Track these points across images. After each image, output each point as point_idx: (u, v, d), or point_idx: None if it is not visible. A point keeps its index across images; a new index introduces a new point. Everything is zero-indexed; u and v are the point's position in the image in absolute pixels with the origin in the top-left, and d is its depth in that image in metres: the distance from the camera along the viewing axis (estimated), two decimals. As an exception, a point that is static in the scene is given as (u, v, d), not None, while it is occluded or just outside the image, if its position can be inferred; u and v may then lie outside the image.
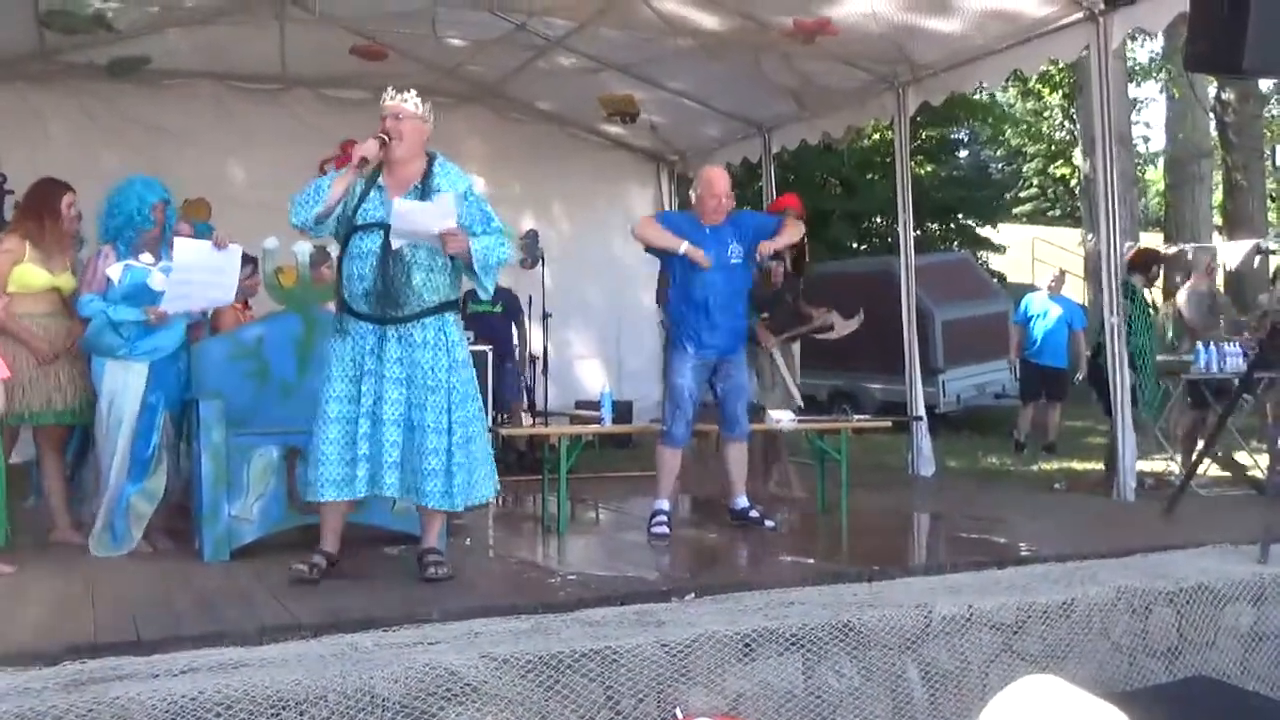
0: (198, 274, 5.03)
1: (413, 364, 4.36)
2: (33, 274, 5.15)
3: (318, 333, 5.38)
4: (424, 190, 4.41)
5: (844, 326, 6.86)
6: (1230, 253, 13.43)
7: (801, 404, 6.71)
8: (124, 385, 4.99)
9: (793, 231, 5.79)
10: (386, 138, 4.39)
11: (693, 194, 5.79)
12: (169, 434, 5.16)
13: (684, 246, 5.49)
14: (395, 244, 4.34)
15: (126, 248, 5.11)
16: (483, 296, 4.71)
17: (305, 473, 4.49)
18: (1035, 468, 9.49)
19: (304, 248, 5.47)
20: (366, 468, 4.33)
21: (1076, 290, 13.92)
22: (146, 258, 5.10)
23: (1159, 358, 9.23)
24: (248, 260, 5.78)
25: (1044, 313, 10.17)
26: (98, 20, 7.58)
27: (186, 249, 5.04)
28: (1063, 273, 10.99)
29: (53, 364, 5.14)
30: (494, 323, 8.48)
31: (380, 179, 4.44)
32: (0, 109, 8.54)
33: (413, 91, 4.50)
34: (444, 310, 4.46)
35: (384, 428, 4.32)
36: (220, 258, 5.13)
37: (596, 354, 10.58)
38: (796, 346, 6.92)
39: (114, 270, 4.99)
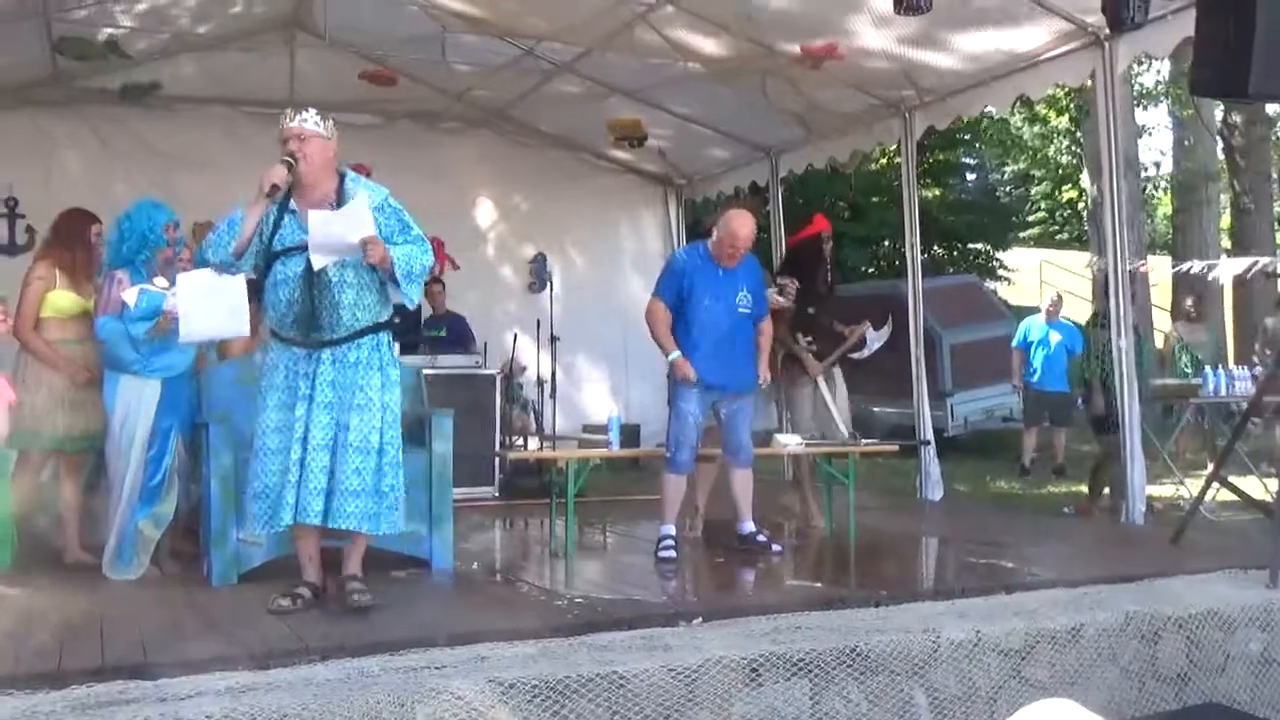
0: (205, 302, 5.01)
1: (344, 385, 4.30)
2: (65, 299, 5.25)
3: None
4: (339, 208, 4.32)
5: (875, 339, 6.79)
6: (1230, 270, 13.43)
7: (846, 433, 6.54)
8: (137, 402, 5.03)
9: (766, 344, 5.86)
10: (292, 160, 4.26)
11: (715, 231, 5.69)
12: (182, 458, 5.19)
13: (673, 355, 5.53)
14: (317, 265, 4.24)
15: (142, 271, 5.17)
16: (408, 305, 4.57)
17: (245, 505, 4.36)
18: (1044, 491, 9.47)
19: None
20: (294, 494, 4.22)
21: (1084, 313, 13.88)
22: (161, 282, 5.14)
23: (1167, 381, 9.24)
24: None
25: (1044, 338, 10.17)
26: (110, 47, 7.66)
27: (188, 282, 4.92)
28: (1060, 297, 10.99)
29: (81, 390, 5.21)
30: (439, 347, 8.47)
31: (292, 203, 4.34)
32: (14, 135, 8.61)
33: (312, 110, 4.38)
34: (379, 330, 4.42)
35: (312, 453, 4.23)
36: (224, 283, 5.07)
37: (604, 377, 10.59)
38: (838, 371, 6.78)
39: (130, 294, 5.03)
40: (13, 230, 8.59)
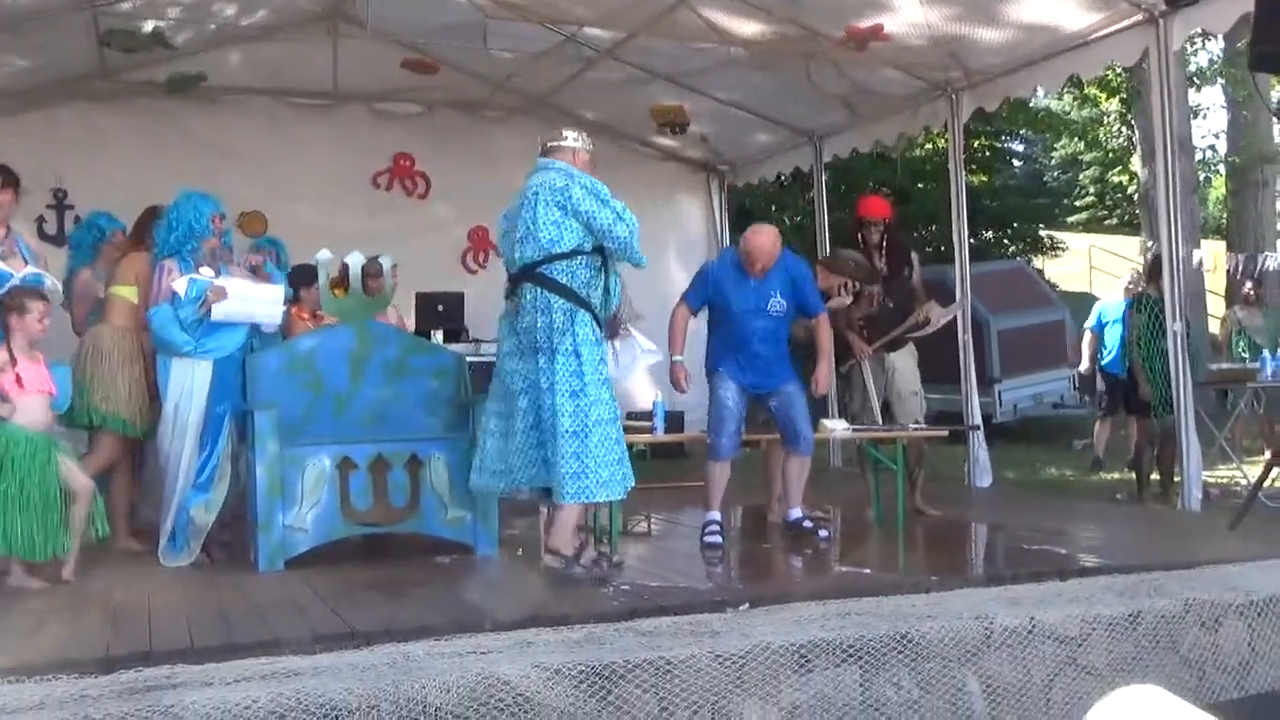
0: (243, 302, 5.21)
1: None
2: None
3: (371, 344, 5.42)
4: None
5: (941, 316, 6.65)
6: None
7: (879, 420, 6.44)
8: (190, 385, 5.07)
9: (826, 340, 5.76)
10: None
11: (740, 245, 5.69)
12: (234, 444, 5.23)
13: (676, 358, 5.63)
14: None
15: (189, 261, 5.21)
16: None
17: (609, 472, 4.53)
18: (1095, 478, 9.29)
19: (357, 259, 5.51)
20: None
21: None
22: (207, 271, 5.18)
23: (1223, 366, 9.03)
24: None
25: (1121, 318, 9.75)
26: (156, 38, 7.71)
27: (229, 286, 5.18)
28: (1139, 274, 10.53)
29: (144, 378, 5.33)
30: None
31: None
32: (63, 127, 8.72)
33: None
34: None
35: None
36: (262, 291, 5.37)
37: (648, 364, 10.52)
38: (909, 355, 6.65)
39: (180, 284, 5.09)
40: (61, 220, 8.69)
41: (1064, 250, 22.01)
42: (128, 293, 5.43)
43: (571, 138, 4.87)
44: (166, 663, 3.36)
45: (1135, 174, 20.65)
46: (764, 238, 5.58)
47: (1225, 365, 9.13)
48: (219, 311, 5.06)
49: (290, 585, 4.51)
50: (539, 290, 4.60)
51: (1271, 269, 13.31)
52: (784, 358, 5.69)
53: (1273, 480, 6.65)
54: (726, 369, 5.60)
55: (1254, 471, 7.10)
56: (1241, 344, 9.68)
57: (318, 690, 3.08)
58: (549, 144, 4.86)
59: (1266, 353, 8.52)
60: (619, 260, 4.79)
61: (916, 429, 6.31)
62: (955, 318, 7.43)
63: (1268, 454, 6.88)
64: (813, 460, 5.82)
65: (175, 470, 5.07)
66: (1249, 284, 10.49)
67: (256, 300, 5.30)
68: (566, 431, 4.47)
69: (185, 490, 5.05)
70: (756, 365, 5.58)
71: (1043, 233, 21.41)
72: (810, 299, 5.72)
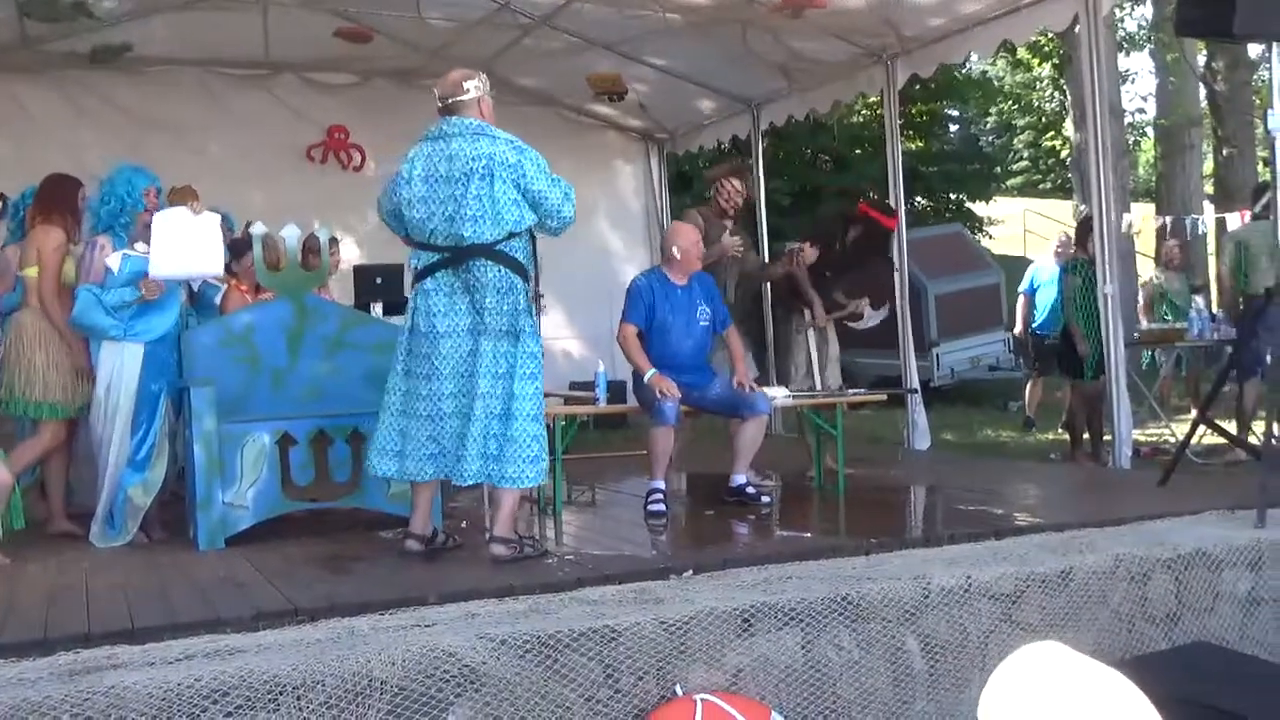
0: (180, 241, 5.01)
1: None
2: (70, 267, 5.21)
3: (308, 318, 5.36)
4: None
5: (871, 317, 6.91)
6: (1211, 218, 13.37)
7: (819, 386, 6.60)
8: (120, 367, 4.98)
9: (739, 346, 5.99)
10: None
11: (663, 250, 5.93)
12: (171, 422, 5.16)
13: (649, 374, 5.52)
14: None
15: (122, 236, 5.11)
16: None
17: (539, 461, 4.40)
18: (1031, 438, 9.48)
19: (292, 232, 5.44)
20: None
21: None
22: (142, 247, 5.08)
23: (1152, 327, 9.23)
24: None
25: (1053, 279, 9.87)
26: (78, 7, 7.47)
27: (164, 218, 5.00)
28: (1070, 237, 10.67)
29: (73, 358, 5.19)
30: None
31: None
32: (-16, 101, 8.48)
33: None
34: None
35: None
36: (199, 223, 5.11)
37: (589, 335, 10.53)
38: (831, 331, 6.87)
39: (113, 260, 4.99)
40: (-13, 198, 8.46)
41: (995, 226, 22.35)
42: (35, 271, 5.26)
43: (472, 87, 4.46)
44: (106, 643, 3.32)
45: (1068, 138, 20.96)
46: (687, 231, 5.86)
47: (1155, 326, 9.31)
48: (156, 271, 4.94)
49: (231, 563, 4.47)
50: (501, 269, 4.36)
51: (1201, 233, 13.59)
52: (705, 365, 5.90)
53: (1199, 438, 6.84)
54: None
55: (1182, 429, 7.30)
56: (1164, 306, 9.86)
57: (261, 667, 3.06)
58: (450, 100, 4.45)
59: (1194, 312, 8.74)
60: (550, 235, 4.60)
61: (855, 394, 6.39)
62: (887, 304, 7.51)
63: (1194, 412, 7.07)
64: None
65: (108, 454, 4.99)
66: (1174, 245, 10.66)
67: (191, 250, 5.03)
68: (529, 415, 4.34)
69: (120, 471, 4.97)
70: (684, 372, 5.70)
71: (975, 208, 21.66)
72: (722, 311, 5.94)
